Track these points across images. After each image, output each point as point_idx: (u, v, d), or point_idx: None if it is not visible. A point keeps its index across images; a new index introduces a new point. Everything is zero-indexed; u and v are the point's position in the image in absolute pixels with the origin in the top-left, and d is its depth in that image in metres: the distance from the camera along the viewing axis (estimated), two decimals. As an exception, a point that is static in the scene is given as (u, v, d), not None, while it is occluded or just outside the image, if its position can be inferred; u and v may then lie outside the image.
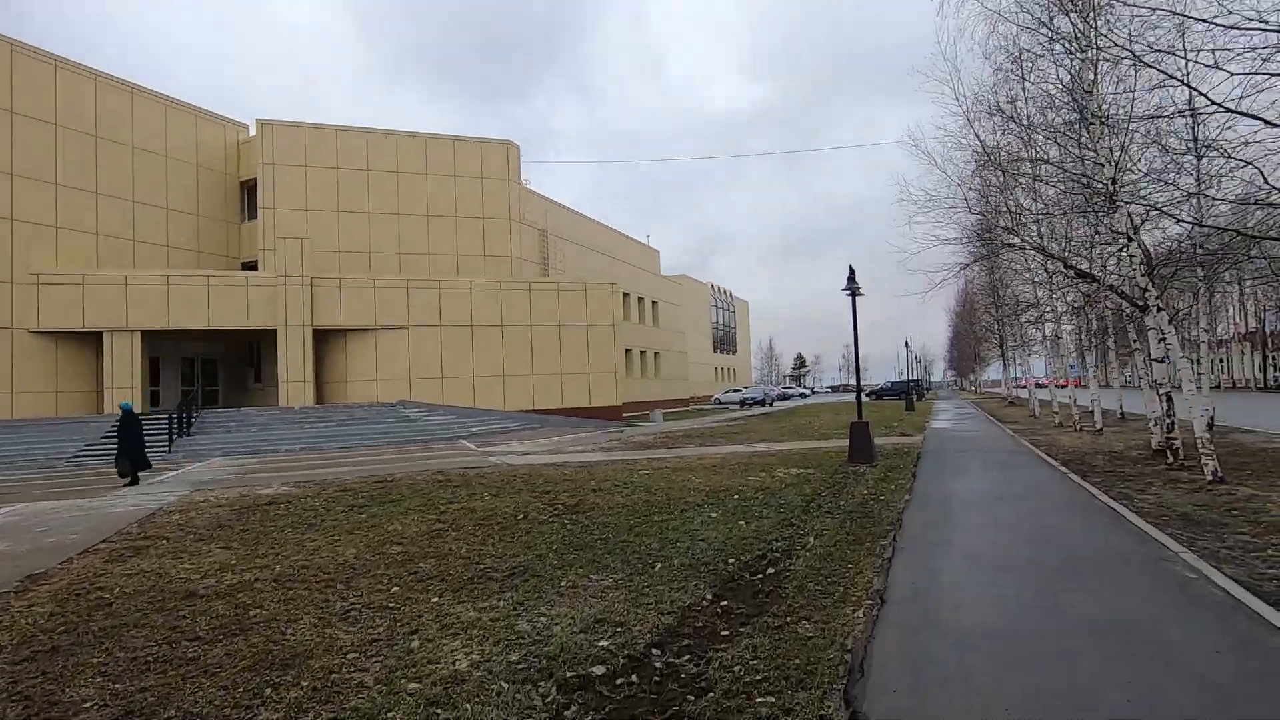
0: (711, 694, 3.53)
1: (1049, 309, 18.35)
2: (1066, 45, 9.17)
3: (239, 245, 30.62)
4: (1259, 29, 5.74)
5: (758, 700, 3.43)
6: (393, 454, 18.13)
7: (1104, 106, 9.12)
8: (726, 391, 59.05)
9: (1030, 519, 7.63)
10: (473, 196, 32.09)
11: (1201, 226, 7.61)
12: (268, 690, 3.72)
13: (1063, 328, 21.15)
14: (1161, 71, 6.04)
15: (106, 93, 25.85)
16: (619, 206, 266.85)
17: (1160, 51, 6.24)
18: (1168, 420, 10.58)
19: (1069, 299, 16.57)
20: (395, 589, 5.56)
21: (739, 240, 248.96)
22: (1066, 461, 12.28)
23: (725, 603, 5.07)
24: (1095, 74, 9.16)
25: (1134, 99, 8.46)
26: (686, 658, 4.06)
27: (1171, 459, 10.61)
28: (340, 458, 17.65)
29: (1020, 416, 26.65)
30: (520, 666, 3.94)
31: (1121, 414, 21.93)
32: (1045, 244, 12.77)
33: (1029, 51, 10.20)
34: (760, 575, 5.78)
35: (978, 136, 12.98)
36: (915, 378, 56.92)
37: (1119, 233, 9.46)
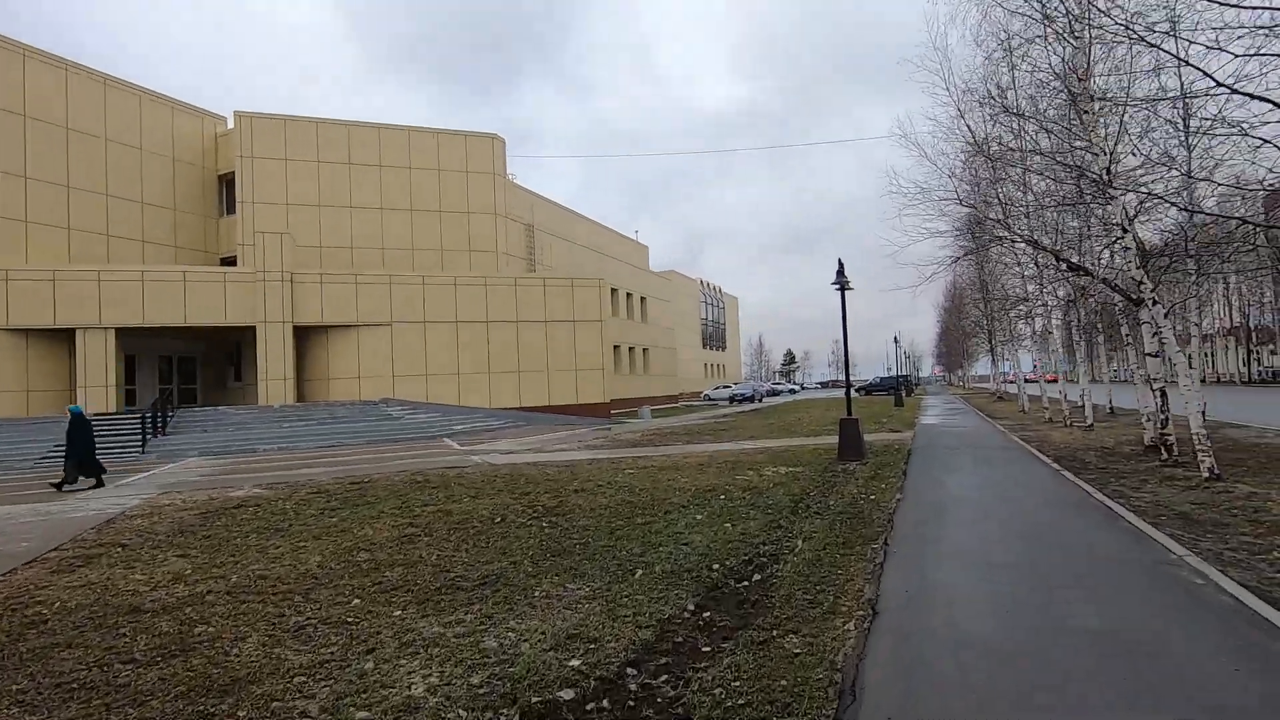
0: (689, 722, 3.21)
1: (1039, 303, 18.18)
2: (1059, 31, 8.90)
3: (218, 240, 29.96)
4: (1264, 6, 5.48)
5: (739, 730, 3.12)
6: (373, 453, 17.71)
7: (1100, 92, 8.87)
8: (716, 388, 58.83)
9: (1025, 520, 7.37)
10: (457, 190, 31.57)
11: (1204, 214, 7.38)
12: (199, 722, 3.37)
13: (1052, 322, 21.03)
14: (1165, 51, 5.78)
15: (78, 83, 25.14)
16: (609, 204, 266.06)
17: (1161, 33, 5.98)
18: (1162, 416, 10.38)
19: (1060, 293, 16.40)
20: (356, 601, 5.21)
21: (729, 237, 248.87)
22: (1059, 458, 12.08)
23: (708, 614, 4.76)
24: (1089, 59, 8.90)
25: (1131, 83, 8.20)
26: (664, 678, 3.74)
27: (1166, 455, 10.41)
28: (319, 457, 17.21)
29: (1009, 412, 26.56)
30: (482, 691, 3.60)
31: (1111, 409, 21.84)
32: (1037, 237, 12.54)
33: (1020, 36, 9.95)
34: (746, 582, 5.48)
35: (969, 128, 12.74)
36: (904, 373, 56.94)
37: (1114, 224, 9.22)
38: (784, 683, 3.56)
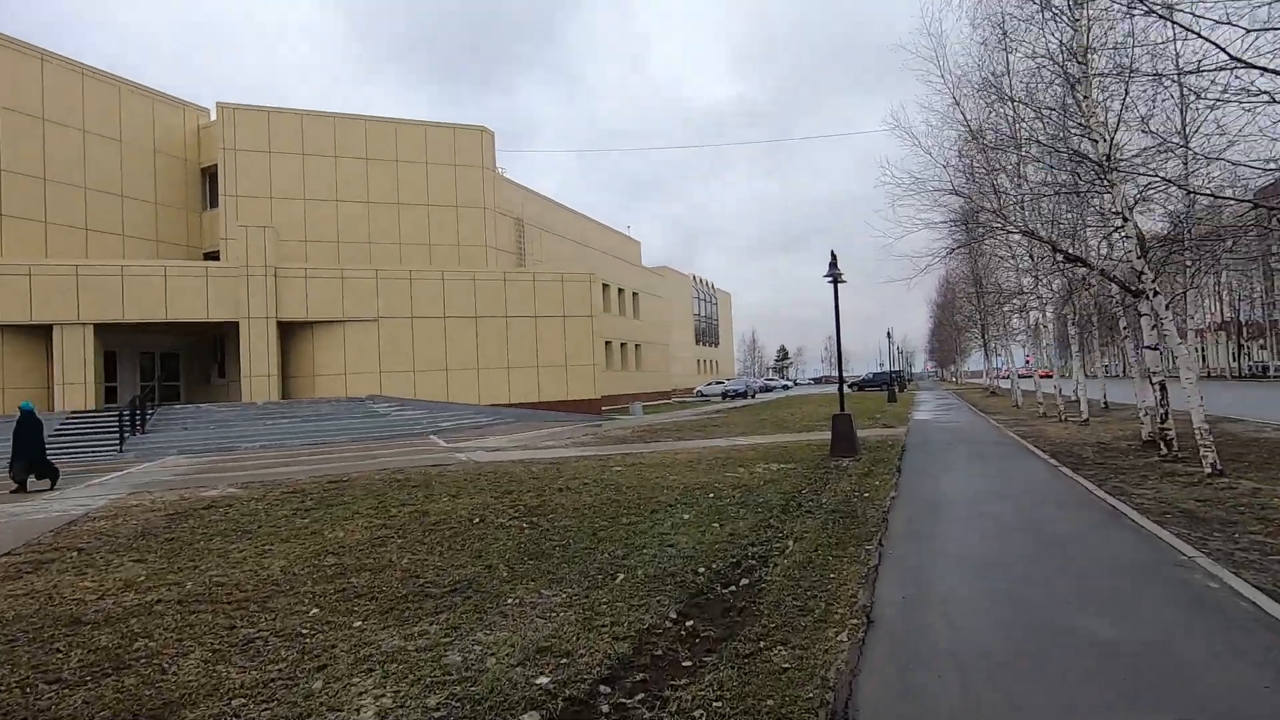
0: (664, 752, 2.89)
1: (1034, 296, 17.94)
2: (1058, 10, 8.60)
3: (201, 234, 29.44)
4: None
5: (720, 760, 2.80)
6: (357, 451, 17.32)
7: (1101, 71, 8.57)
8: (709, 384, 58.59)
9: (1024, 519, 7.08)
10: (445, 184, 31.12)
11: (1220, 198, 7.10)
12: (120, 753, 3.02)
13: (1046, 316, 20.81)
14: (1176, 23, 5.48)
15: (54, 73, 24.55)
16: (602, 200, 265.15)
17: (1166, 5, 5.67)
18: (1161, 410, 10.12)
19: (1055, 286, 16.15)
20: (315, 610, 4.86)
21: (723, 234, 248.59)
22: (1055, 453, 11.83)
23: (691, 623, 4.44)
24: (1088, 40, 8.60)
25: (1132, 63, 7.89)
26: (640, 697, 3.42)
27: (1165, 450, 10.16)
28: (301, 455, 16.80)
29: (1003, 407, 26.37)
30: (438, 715, 3.27)
31: (1105, 404, 21.66)
32: (1033, 228, 12.26)
33: (1016, 18, 9.65)
34: (733, 587, 5.17)
35: (964, 116, 12.44)
36: (897, 369, 56.83)
37: (1115, 212, 8.94)
38: (770, 703, 3.24)
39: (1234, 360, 56.39)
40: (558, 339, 29.52)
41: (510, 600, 4.98)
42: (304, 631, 4.45)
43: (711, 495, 8.87)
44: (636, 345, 47.74)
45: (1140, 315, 9.93)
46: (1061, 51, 9.65)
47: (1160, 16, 5.74)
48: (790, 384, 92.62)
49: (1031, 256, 17.24)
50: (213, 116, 28.93)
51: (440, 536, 7.10)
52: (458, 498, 9.40)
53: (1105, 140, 8.86)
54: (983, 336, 32.19)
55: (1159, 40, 7.35)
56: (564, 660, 3.86)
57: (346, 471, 12.81)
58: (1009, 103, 10.62)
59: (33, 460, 12.41)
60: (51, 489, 12.29)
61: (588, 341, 30.32)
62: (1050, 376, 28.84)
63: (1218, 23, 5.73)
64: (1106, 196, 10.15)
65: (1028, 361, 48.54)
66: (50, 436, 18.81)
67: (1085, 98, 9.28)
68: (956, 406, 28.10)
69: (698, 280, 74.79)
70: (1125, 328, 13.16)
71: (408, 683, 3.62)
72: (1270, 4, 5.34)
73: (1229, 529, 6.13)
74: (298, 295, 25.38)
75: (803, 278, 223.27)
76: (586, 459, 13.39)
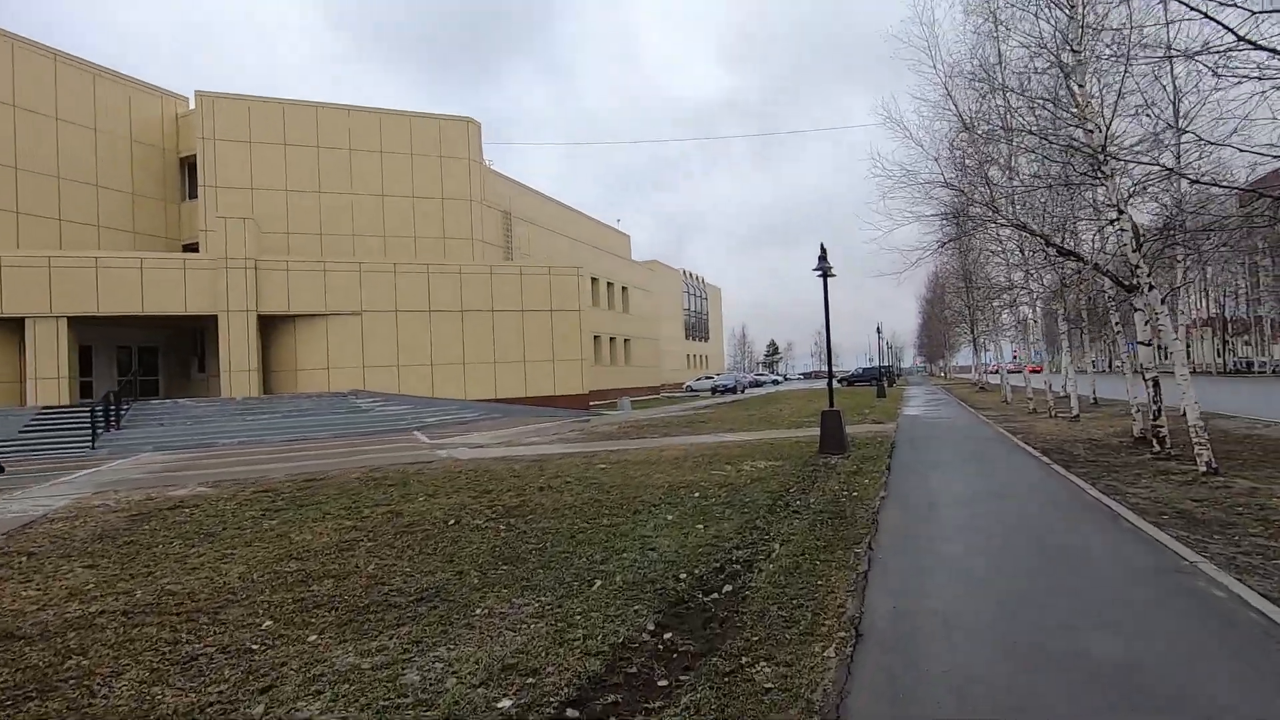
0: (632, 790, 2.61)
1: (1024, 290, 17.78)
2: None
3: (179, 226, 28.83)
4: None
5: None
6: (337, 447, 16.93)
7: (1100, 58, 8.35)
8: (699, 379, 58.42)
9: (1018, 521, 6.86)
10: (431, 176, 30.63)
11: (1216, 185, 6.88)
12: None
13: (1037, 311, 20.70)
14: (1182, 3, 5.24)
15: (25, 59, 23.86)
16: (593, 195, 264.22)
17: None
18: (1154, 407, 9.95)
19: (1045, 281, 15.99)
20: (269, 623, 4.55)
21: (713, 229, 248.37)
22: (1046, 450, 11.65)
23: (669, 635, 4.17)
24: (1082, 26, 8.37)
25: (1129, 50, 7.65)
26: (609, 723, 3.14)
27: (1158, 448, 9.99)
28: (279, 452, 16.41)
29: (992, 402, 26.30)
30: (386, 745, 2.98)
31: (1095, 399, 21.60)
32: (1025, 221, 12.05)
33: (1009, 4, 9.40)
34: (715, 595, 4.91)
35: (956, 106, 12.20)
36: (886, 364, 56.85)
37: (1110, 204, 8.73)
38: (751, 730, 2.97)
39: (1218, 356, 56.81)
40: (545, 333, 29.16)
41: (479, 610, 4.69)
42: (254, 647, 4.14)
43: (696, 494, 8.61)
44: (626, 340, 47.45)
45: (1134, 310, 9.74)
46: (1056, 38, 9.41)
47: (1163, -3, 5.51)
48: (780, 379, 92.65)
49: (1022, 251, 17.08)
50: (191, 105, 28.25)
51: (412, 539, 6.80)
52: (434, 497, 9.08)
53: (1101, 130, 8.64)
54: (972, 332, 32.11)
55: (1157, 23, 7.11)
56: (530, 680, 3.57)
57: (323, 469, 12.45)
58: (1001, 92, 10.38)
59: None
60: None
61: (575, 336, 29.98)
62: (1039, 371, 28.85)
63: (1222, 4, 5.49)
64: (1100, 189, 9.95)
65: (1015, 357, 48.70)
66: (21, 432, 18.34)
67: (1080, 86, 9.05)
68: (946, 402, 28.02)
69: (688, 275, 74.55)
70: (1118, 323, 13.01)
71: (358, 706, 3.33)
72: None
73: (1229, 531, 5.93)
74: (279, 288, 24.88)
75: (793, 273, 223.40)
76: (570, 456, 13.10)
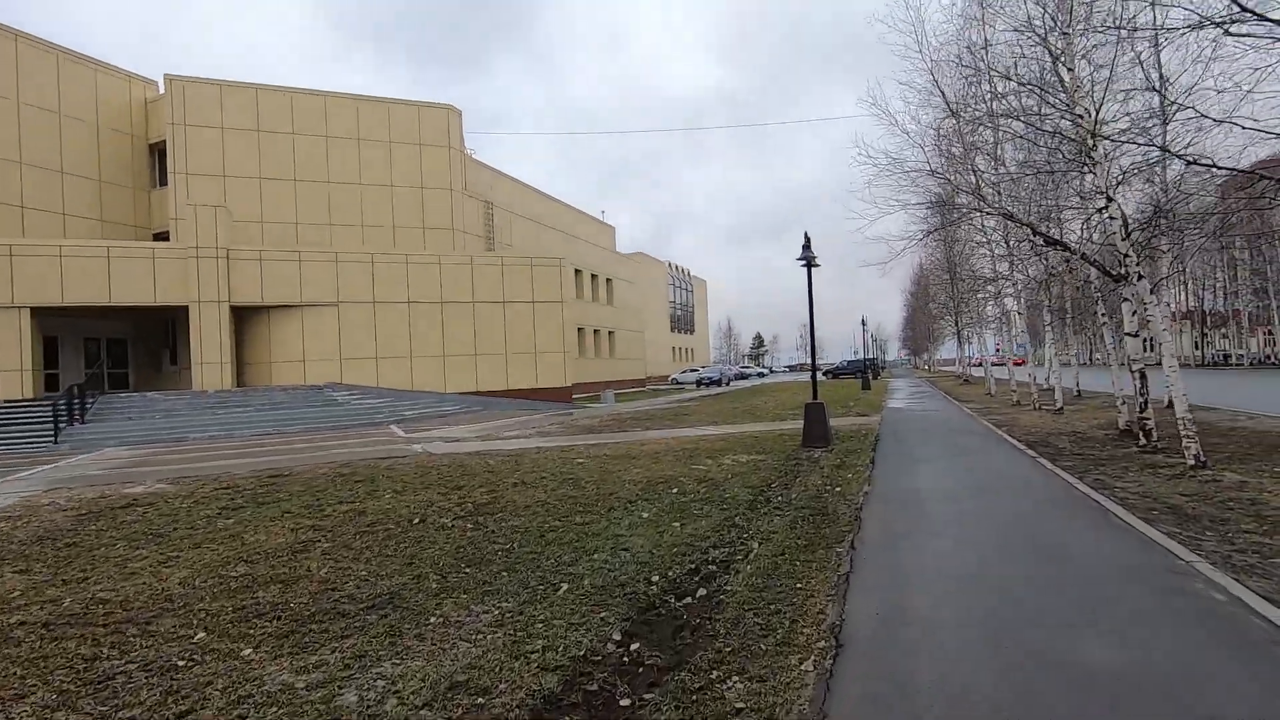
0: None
1: (1009, 282, 17.63)
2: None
3: (149, 214, 27.98)
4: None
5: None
6: (310, 442, 16.46)
7: (1084, 39, 8.10)
8: (684, 371, 58.16)
9: (1006, 517, 6.62)
10: (410, 164, 29.99)
11: (1216, 168, 6.65)
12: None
13: (1023, 303, 20.58)
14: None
15: (-17, 39, 22.94)
16: (578, 188, 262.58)
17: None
18: (1140, 399, 9.78)
19: (1031, 272, 15.83)
20: (202, 635, 4.18)
21: (699, 222, 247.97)
22: (1032, 443, 11.49)
23: (636, 646, 3.86)
24: (1071, 7, 8.11)
25: (1120, 36, 7.40)
26: (563, 751, 2.82)
27: (1144, 441, 9.83)
28: (249, 447, 15.91)
29: (976, 395, 26.27)
30: (307, 781, 2.64)
31: (1078, 391, 21.58)
32: (1011, 210, 11.83)
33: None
34: (688, 599, 4.61)
35: (942, 94, 11.94)
36: (871, 357, 56.94)
37: (1099, 191, 8.50)
38: (718, 760, 2.67)
39: (1196, 349, 57.47)
40: (527, 325, 28.71)
41: (434, 618, 4.36)
42: (180, 663, 3.78)
43: (675, 490, 8.31)
44: (610, 332, 47.04)
45: (1122, 301, 9.55)
46: (1045, 21, 9.15)
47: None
48: (766, 371, 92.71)
49: (1007, 242, 16.92)
50: (161, 90, 27.39)
51: (373, 540, 6.44)
52: (402, 494, 8.71)
53: (1090, 114, 8.39)
54: (956, 324, 32.08)
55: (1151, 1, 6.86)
56: (479, 700, 3.25)
57: (291, 465, 12.02)
58: (988, 76, 10.11)
59: None
60: None
61: (558, 328, 29.55)
62: (1023, 364, 28.88)
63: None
64: (1089, 176, 9.73)
65: (998, 349, 48.91)
66: (-22, 427, 17.64)
67: (1070, 70, 8.80)
68: (930, 394, 27.97)
69: (673, 267, 74.17)
70: (1104, 314, 12.85)
71: (284, 734, 2.99)
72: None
73: (1221, 527, 5.72)
74: (252, 278, 24.20)
75: (779, 266, 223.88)
76: (548, 450, 12.75)
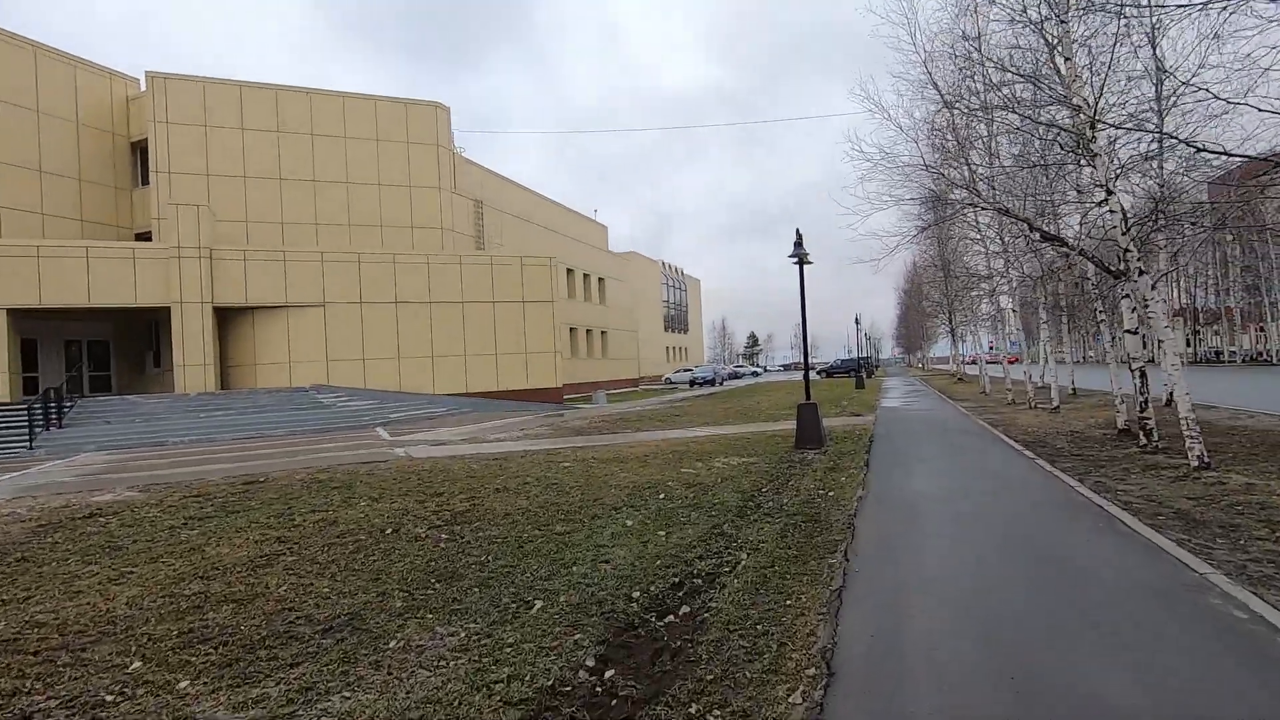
0: None
1: (1004, 280, 17.38)
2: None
3: (131, 214, 27.47)
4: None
5: None
6: (292, 445, 16.07)
7: (1083, 23, 7.82)
8: (678, 371, 57.85)
9: (1007, 525, 6.32)
10: (398, 162, 29.57)
11: (1228, 155, 6.37)
12: None
13: (1017, 300, 20.35)
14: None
15: (-43, 35, 22.41)
16: (571, 187, 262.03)
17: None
18: (1141, 398, 9.52)
19: (1026, 269, 15.59)
20: (138, 663, 3.84)
21: (693, 221, 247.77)
22: (1029, 444, 11.22)
23: (611, 673, 3.55)
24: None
25: (1120, 26, 7.12)
26: (519, 804, 2.50)
27: (1145, 441, 9.57)
28: (229, 451, 15.51)
29: (971, 393, 26.05)
30: None
31: (1074, 390, 21.37)
32: (1006, 205, 11.56)
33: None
34: (671, 617, 4.31)
35: (936, 86, 11.66)
36: (865, 355, 56.78)
37: (1098, 184, 8.22)
38: (692, 817, 2.35)
39: (1188, 346, 57.54)
40: (517, 325, 28.34)
41: (394, 642, 4.03)
42: (108, 698, 3.44)
43: (662, 496, 8.00)
44: (603, 332, 46.71)
45: (1122, 297, 9.28)
46: (1041, 9, 8.86)
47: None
48: (760, 371, 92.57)
49: (1002, 239, 16.67)
50: (143, 87, 26.88)
51: (341, 552, 6.10)
52: (379, 502, 8.36)
53: (1089, 105, 8.11)
54: (950, 322, 31.88)
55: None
56: (431, 741, 2.92)
57: (269, 470, 11.64)
58: (982, 67, 9.83)
59: None
60: None
61: (549, 328, 29.19)
62: (1017, 362, 28.72)
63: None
64: (1087, 170, 9.47)
65: (991, 347, 48.78)
66: (-50, 432, 17.17)
67: (1068, 60, 8.52)
68: (924, 393, 27.74)
69: (667, 266, 73.86)
70: (1101, 311, 12.60)
71: (206, 786, 2.65)
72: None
73: (1232, 535, 5.44)
74: (236, 279, 23.76)
75: (773, 266, 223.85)
76: (534, 454, 12.42)
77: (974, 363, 48.60)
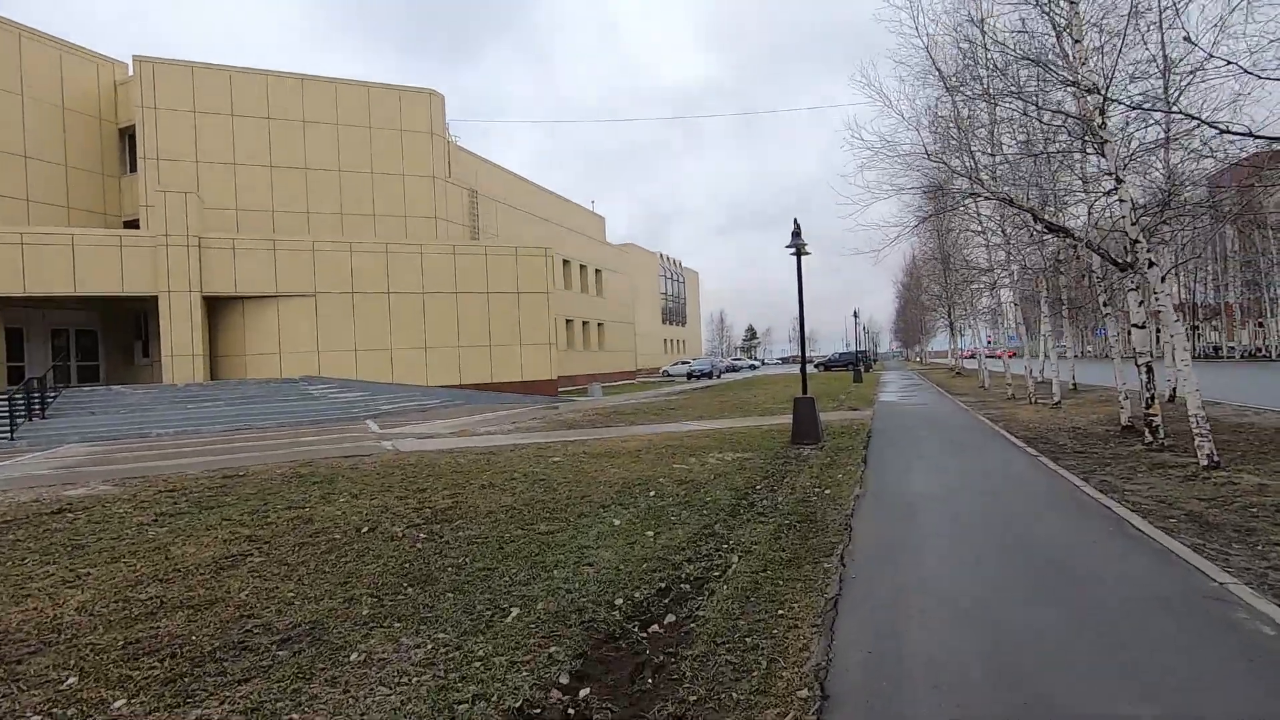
0: None
1: (1005, 273, 17.08)
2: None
3: (120, 201, 27.02)
4: None
5: None
6: (278, 437, 15.77)
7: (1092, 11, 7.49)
8: (675, 363, 57.56)
9: (1011, 527, 6.04)
10: (391, 150, 29.12)
11: (1254, 137, 6.06)
12: None
13: (1017, 294, 20.06)
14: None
15: (-61, 16, 21.92)
16: (569, 179, 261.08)
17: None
18: (1148, 394, 9.24)
19: (1029, 261, 15.29)
20: (74, 679, 3.54)
21: (691, 213, 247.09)
22: (1031, 440, 10.95)
23: (586, 692, 3.26)
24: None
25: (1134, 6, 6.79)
26: None
27: (1151, 438, 9.30)
28: (213, 443, 15.21)
29: (970, 388, 25.79)
30: None
31: (1074, 385, 21.11)
32: (1010, 194, 11.25)
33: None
34: (655, 627, 4.03)
35: (939, 71, 11.32)
36: (863, 349, 56.52)
37: (1107, 173, 7.91)
38: None
39: (1187, 341, 57.40)
40: (512, 316, 28.01)
41: (355, 654, 3.74)
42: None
43: (652, 493, 7.71)
44: (599, 324, 46.38)
45: (1129, 290, 8.99)
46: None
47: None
48: (758, 364, 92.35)
49: (1004, 230, 16.36)
50: (131, 72, 26.39)
51: (312, 553, 5.80)
52: (359, 498, 8.07)
53: (1099, 90, 7.79)
54: (949, 316, 31.58)
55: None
56: (380, 775, 2.63)
57: (251, 463, 11.34)
58: (987, 50, 9.48)
59: None
60: None
61: (544, 319, 28.87)
62: (1015, 356, 28.47)
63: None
64: (1093, 158, 9.16)
65: (989, 342, 48.52)
66: (-70, 423, 16.84)
67: (1077, 42, 8.18)
68: (923, 387, 27.49)
69: (665, 258, 73.43)
70: (1106, 304, 12.31)
71: (122, 828, 2.36)
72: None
73: (1249, 539, 5.17)
74: (225, 268, 23.39)
75: (772, 259, 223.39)
76: (524, 447, 12.12)
77: (972, 357, 48.41)
